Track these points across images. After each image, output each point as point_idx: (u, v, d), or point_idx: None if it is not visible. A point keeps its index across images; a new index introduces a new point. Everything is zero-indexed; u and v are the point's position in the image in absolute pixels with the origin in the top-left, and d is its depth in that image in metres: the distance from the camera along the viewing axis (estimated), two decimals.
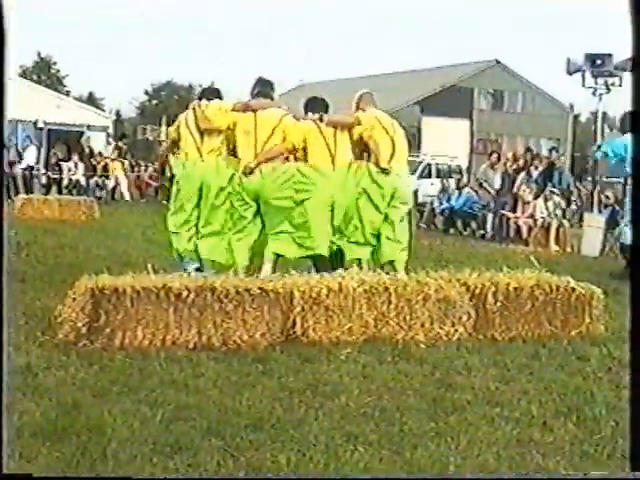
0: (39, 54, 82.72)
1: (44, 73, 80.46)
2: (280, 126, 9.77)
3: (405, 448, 5.09)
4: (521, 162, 21.06)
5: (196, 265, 9.89)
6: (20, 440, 4.90)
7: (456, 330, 8.02)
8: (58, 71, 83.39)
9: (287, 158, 9.95)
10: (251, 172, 9.63)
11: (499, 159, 21.95)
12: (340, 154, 9.78)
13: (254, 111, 9.87)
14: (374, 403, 5.96)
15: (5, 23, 3.34)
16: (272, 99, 10.31)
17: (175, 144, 10.45)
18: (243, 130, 9.83)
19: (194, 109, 10.14)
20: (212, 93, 10.57)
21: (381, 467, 4.79)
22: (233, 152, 10.02)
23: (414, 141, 61.12)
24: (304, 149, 9.77)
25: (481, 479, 4.54)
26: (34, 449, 4.79)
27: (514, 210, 20.03)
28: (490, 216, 20.68)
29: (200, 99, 10.36)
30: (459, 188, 23.05)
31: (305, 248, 9.66)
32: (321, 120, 9.85)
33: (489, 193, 21.24)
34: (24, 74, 68.67)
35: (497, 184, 21.08)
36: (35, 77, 72.03)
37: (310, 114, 10.02)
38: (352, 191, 9.80)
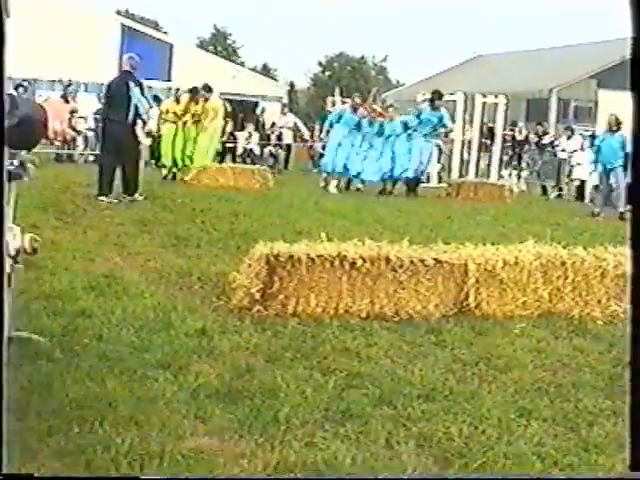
0: (215, 26, 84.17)
1: (220, 44, 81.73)
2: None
3: (580, 426, 4.98)
4: None
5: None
6: (196, 401, 5.00)
7: None
8: (234, 42, 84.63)
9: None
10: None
11: None
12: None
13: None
14: (549, 378, 5.85)
15: (5, 24, 3.34)
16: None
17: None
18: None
19: (205, 99, 21.19)
20: (209, 89, 21.51)
21: (554, 443, 4.69)
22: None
23: (589, 115, 59.76)
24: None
25: (481, 479, 4.39)
26: (209, 410, 4.87)
27: None
28: None
29: (206, 91, 21.53)
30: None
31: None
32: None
33: None
34: (201, 45, 70.05)
35: None
36: (212, 48, 73.34)
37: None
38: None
